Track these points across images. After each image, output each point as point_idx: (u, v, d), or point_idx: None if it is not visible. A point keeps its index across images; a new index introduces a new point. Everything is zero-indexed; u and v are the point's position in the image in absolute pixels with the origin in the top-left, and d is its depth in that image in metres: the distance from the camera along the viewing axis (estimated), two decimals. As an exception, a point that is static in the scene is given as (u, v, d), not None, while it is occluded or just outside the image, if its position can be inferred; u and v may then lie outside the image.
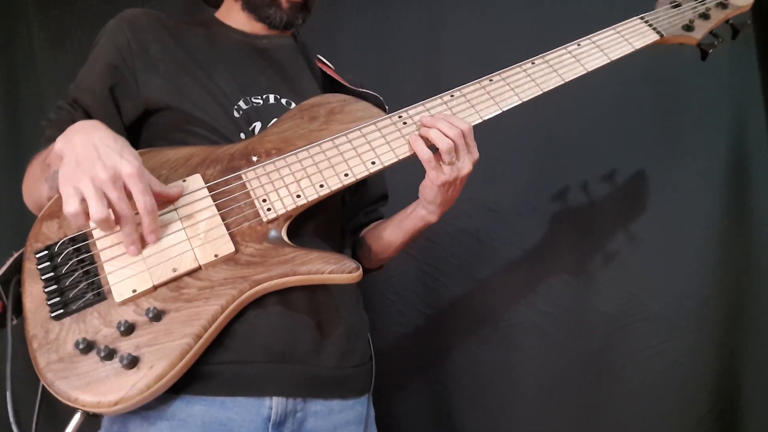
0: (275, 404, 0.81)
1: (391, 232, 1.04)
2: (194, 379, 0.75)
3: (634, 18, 1.05)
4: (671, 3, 1.08)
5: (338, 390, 0.88)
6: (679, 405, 1.33)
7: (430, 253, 1.46)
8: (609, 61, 1.00)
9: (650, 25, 1.05)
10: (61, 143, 0.73)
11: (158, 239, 0.78)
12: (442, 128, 0.86)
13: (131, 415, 0.76)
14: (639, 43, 1.03)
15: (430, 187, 0.90)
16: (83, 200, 0.69)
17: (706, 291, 1.33)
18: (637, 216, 1.36)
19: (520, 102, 0.96)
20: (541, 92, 0.96)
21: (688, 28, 1.06)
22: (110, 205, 0.70)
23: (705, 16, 1.07)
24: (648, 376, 1.34)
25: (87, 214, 0.69)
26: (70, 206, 0.68)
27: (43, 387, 0.72)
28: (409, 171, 0.94)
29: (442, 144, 0.85)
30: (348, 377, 0.90)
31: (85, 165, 0.69)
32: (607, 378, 1.36)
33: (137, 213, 0.73)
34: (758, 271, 1.31)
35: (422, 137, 0.88)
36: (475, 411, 1.43)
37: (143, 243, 0.77)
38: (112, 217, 0.71)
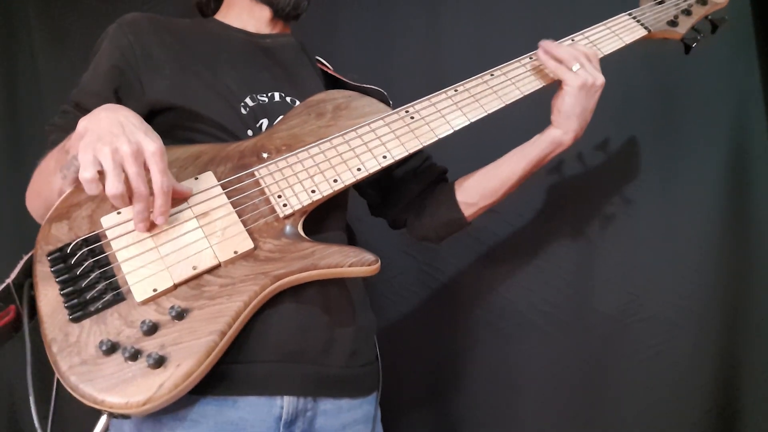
0: (287, 403, 0.85)
1: (511, 167, 1.04)
2: (206, 379, 0.77)
3: (622, 14, 1.14)
4: (655, 0, 1.17)
5: (347, 389, 0.92)
6: (678, 405, 1.36)
7: (430, 253, 1.49)
8: (602, 55, 1.08)
9: (638, 21, 1.14)
10: (86, 121, 0.75)
11: (174, 236, 0.80)
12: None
13: (142, 417, 0.78)
14: (629, 38, 1.11)
15: (569, 93, 0.98)
16: (101, 171, 0.70)
17: (706, 291, 1.36)
18: (637, 216, 1.40)
19: (521, 95, 1.02)
20: (541, 86, 1.03)
21: (673, 23, 1.16)
22: (126, 180, 0.72)
23: (687, 12, 1.17)
24: (648, 376, 1.37)
25: (102, 184, 0.71)
26: (87, 172, 0.70)
27: (56, 390, 0.73)
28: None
29: (573, 52, 0.98)
30: (356, 376, 0.94)
31: (107, 137, 0.71)
32: (607, 378, 1.40)
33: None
34: (759, 272, 1.34)
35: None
36: (475, 411, 1.46)
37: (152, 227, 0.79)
38: (125, 194, 0.73)
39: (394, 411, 1.44)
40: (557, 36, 1.07)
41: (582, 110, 0.99)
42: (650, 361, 1.38)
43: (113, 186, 0.70)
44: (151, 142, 0.73)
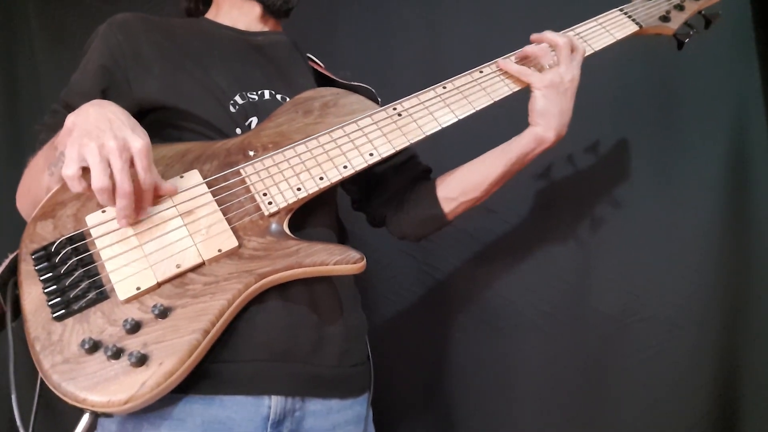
0: (274, 403, 0.85)
1: (491, 163, 1.03)
2: (193, 377, 0.77)
3: (614, 10, 1.13)
4: (647, -5, 1.17)
5: (337, 389, 0.92)
6: (678, 405, 1.36)
7: (430, 253, 1.49)
8: (593, 51, 1.08)
9: (629, 17, 1.13)
10: (73, 117, 0.76)
11: (158, 235, 0.80)
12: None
13: (129, 415, 0.78)
14: (620, 34, 1.11)
15: (538, 96, 0.98)
16: (86, 168, 0.71)
17: (706, 291, 1.36)
18: (637, 216, 1.40)
19: (510, 92, 1.02)
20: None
21: (665, 18, 1.15)
22: (111, 175, 0.72)
23: (680, 7, 1.16)
24: (648, 376, 1.37)
25: (85, 181, 0.72)
26: (69, 169, 0.71)
27: (41, 388, 0.73)
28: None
29: (554, 38, 1.00)
30: (347, 377, 0.94)
31: (95, 133, 0.72)
32: (607, 378, 1.40)
33: None
34: (759, 272, 1.34)
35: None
36: (475, 411, 1.46)
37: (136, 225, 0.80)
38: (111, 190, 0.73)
39: (392, 411, 1.44)
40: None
41: (558, 109, 0.98)
42: (650, 361, 1.38)
43: (99, 180, 0.71)
44: (137, 139, 0.74)
